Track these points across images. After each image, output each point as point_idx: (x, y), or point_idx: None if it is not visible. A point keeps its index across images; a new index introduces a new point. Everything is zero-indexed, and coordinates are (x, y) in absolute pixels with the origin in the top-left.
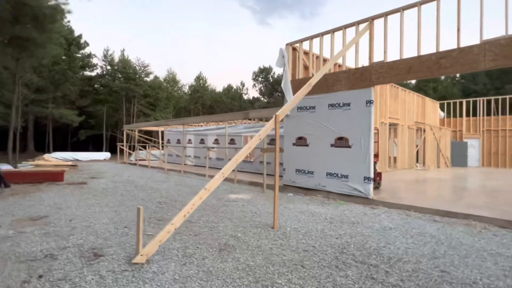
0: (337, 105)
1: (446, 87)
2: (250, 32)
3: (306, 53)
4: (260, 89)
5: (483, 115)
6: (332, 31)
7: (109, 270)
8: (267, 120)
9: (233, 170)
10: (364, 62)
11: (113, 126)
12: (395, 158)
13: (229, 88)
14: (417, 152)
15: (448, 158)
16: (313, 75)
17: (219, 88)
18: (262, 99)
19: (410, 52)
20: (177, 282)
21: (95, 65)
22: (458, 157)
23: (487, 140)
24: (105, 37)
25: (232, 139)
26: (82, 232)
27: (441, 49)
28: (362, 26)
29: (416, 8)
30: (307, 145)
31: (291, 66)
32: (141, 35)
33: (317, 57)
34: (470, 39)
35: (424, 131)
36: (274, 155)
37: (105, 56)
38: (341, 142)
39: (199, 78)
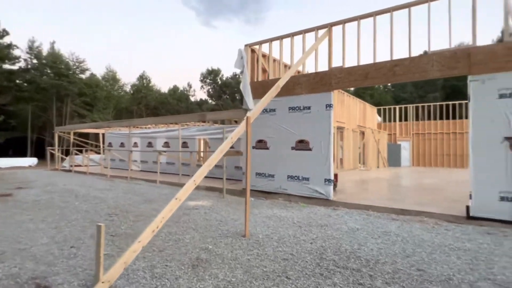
0: (297, 108)
1: (381, 94)
2: (195, 33)
3: (264, 55)
4: (208, 91)
5: (413, 120)
6: (292, 35)
7: None
8: (222, 122)
9: (188, 175)
10: (323, 66)
11: (41, 128)
12: (341, 160)
13: (175, 89)
14: (359, 154)
15: (385, 159)
16: (270, 78)
17: (164, 88)
18: (210, 101)
19: (367, 59)
20: None
21: (17, 58)
22: (393, 158)
23: (416, 143)
24: (32, 27)
25: (184, 142)
26: (15, 257)
27: (395, 57)
28: (321, 31)
29: (371, 18)
30: (267, 148)
31: (250, 68)
32: (76, 31)
33: (274, 60)
34: (422, 49)
35: (365, 134)
36: (230, 159)
37: (30, 48)
38: (302, 145)
39: (142, 78)
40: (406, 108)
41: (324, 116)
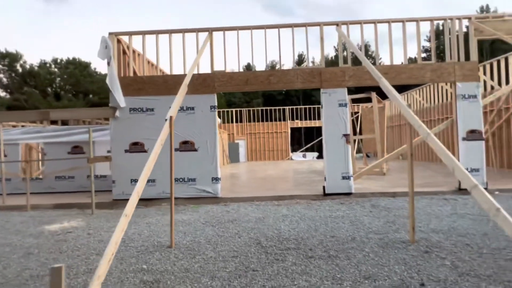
0: (180, 108)
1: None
2: None
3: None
4: (0, 80)
5: (246, 122)
6: (170, 32)
7: None
8: (64, 123)
9: (21, 193)
10: (203, 69)
11: None
12: None
13: None
14: None
15: (227, 156)
16: (136, 73)
17: None
18: (3, 94)
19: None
20: None
21: None
22: (233, 155)
23: (249, 141)
24: None
25: None
26: None
27: (269, 68)
28: (201, 34)
29: (249, 31)
30: (145, 151)
31: (116, 60)
32: None
33: (138, 55)
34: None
35: None
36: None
37: None
38: (187, 146)
39: None
40: (241, 111)
41: (209, 117)
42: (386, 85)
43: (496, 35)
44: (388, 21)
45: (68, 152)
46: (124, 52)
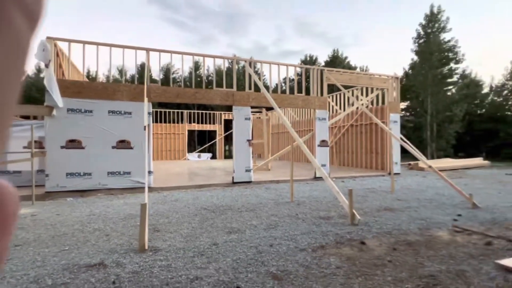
0: (118, 112)
1: None
2: None
3: (62, 53)
4: None
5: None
6: (111, 45)
7: None
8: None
9: None
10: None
11: None
12: None
13: None
14: None
15: None
16: (64, 75)
17: None
18: None
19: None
20: None
21: None
22: None
23: (155, 141)
24: None
25: None
26: None
27: (195, 87)
28: (139, 52)
29: (181, 55)
30: (82, 148)
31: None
32: None
33: (70, 63)
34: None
35: None
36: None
37: None
38: (123, 144)
39: None
40: (156, 112)
41: (144, 121)
42: (279, 112)
43: (335, 82)
44: (278, 64)
45: None
46: (57, 55)
